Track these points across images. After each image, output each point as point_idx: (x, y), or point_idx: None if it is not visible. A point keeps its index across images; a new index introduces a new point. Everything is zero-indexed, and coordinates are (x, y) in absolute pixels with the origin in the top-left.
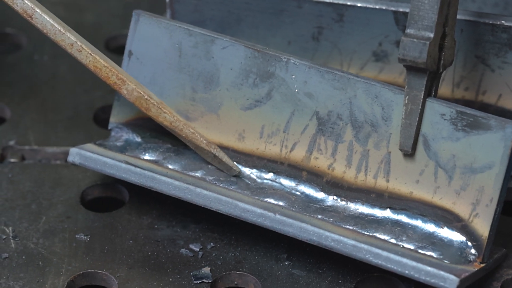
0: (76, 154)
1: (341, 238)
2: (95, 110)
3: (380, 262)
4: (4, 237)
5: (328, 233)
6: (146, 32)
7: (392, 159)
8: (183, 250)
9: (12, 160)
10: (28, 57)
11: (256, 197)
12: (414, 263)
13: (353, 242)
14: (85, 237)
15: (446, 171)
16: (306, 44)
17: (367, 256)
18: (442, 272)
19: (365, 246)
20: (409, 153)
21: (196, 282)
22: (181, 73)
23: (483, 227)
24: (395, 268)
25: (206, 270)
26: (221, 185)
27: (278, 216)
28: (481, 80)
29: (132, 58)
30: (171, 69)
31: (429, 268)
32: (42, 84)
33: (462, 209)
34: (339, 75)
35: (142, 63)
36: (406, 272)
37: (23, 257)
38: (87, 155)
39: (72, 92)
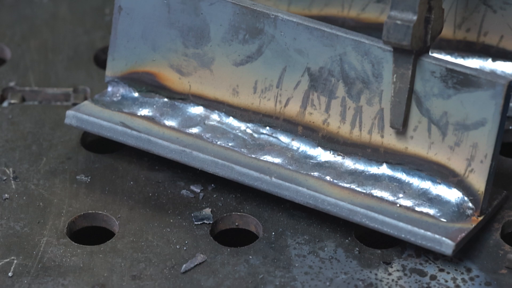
0: (72, 117)
1: (338, 202)
2: (96, 51)
3: (376, 225)
4: (4, 178)
5: (324, 197)
6: None
7: (385, 115)
8: (184, 191)
9: (13, 101)
10: None
11: (253, 155)
12: (409, 227)
13: (349, 206)
14: (86, 178)
15: (439, 127)
16: None
17: (363, 220)
18: (437, 236)
19: (361, 210)
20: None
21: (196, 223)
22: (171, 29)
23: (479, 182)
24: (391, 231)
25: (207, 211)
26: (218, 142)
27: (274, 180)
28: (483, 21)
29: (122, 13)
30: (162, 25)
31: (424, 232)
32: (42, 24)
33: (457, 165)
34: (327, 32)
35: (132, 18)
36: (403, 235)
37: (24, 198)
38: (83, 118)
39: (72, 33)
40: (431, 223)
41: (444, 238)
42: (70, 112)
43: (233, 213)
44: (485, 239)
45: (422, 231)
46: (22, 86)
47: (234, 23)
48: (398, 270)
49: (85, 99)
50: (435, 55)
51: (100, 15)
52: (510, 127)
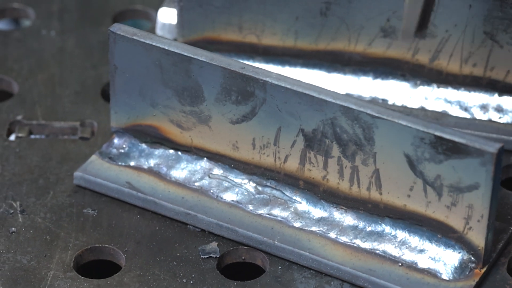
0: (80, 178)
1: (340, 267)
2: (103, 85)
3: None
4: (11, 211)
5: (326, 261)
6: (125, 50)
7: (381, 175)
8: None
9: (20, 134)
10: (36, 32)
11: (258, 212)
12: None
13: (351, 271)
14: (93, 211)
15: (434, 189)
16: (314, 19)
17: (366, 284)
18: None
19: (363, 275)
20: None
21: (203, 257)
22: (166, 88)
23: (478, 239)
24: None
25: (214, 245)
26: (223, 198)
27: (277, 244)
28: (490, 56)
29: (118, 71)
30: (157, 83)
31: None
32: (50, 58)
33: (455, 223)
34: (316, 99)
35: (128, 77)
36: None
37: (31, 231)
38: (91, 180)
39: (80, 67)
40: (432, 285)
41: None
42: (77, 174)
43: (240, 247)
44: (492, 273)
45: None
46: (29, 120)
47: (225, 85)
48: None
49: (92, 133)
50: (442, 89)
51: (107, 50)
52: None
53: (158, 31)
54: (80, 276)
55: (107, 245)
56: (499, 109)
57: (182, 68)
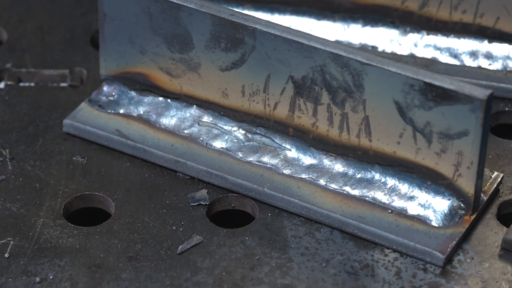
0: (70, 126)
1: (330, 214)
2: (92, 33)
3: (368, 237)
4: (1, 159)
5: (316, 208)
6: None
7: (371, 122)
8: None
9: (9, 82)
10: None
11: (248, 159)
12: (400, 240)
13: (341, 218)
14: (82, 159)
15: (424, 135)
16: None
17: (355, 231)
18: (428, 249)
19: (353, 222)
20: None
21: (193, 204)
22: (156, 35)
23: (468, 186)
24: (383, 243)
25: (203, 192)
26: (213, 145)
27: (267, 191)
28: (479, 3)
29: (107, 19)
30: (146, 31)
31: (415, 245)
32: (39, 6)
33: (445, 169)
34: (306, 46)
35: (117, 24)
36: (394, 247)
37: (20, 179)
38: (80, 127)
39: (69, 15)
40: (422, 232)
41: (434, 251)
42: (67, 121)
43: (229, 194)
44: (481, 220)
45: (412, 243)
46: (18, 68)
47: (214, 32)
48: (394, 251)
49: (81, 80)
50: (431, 36)
51: None
52: (506, 109)
53: None
54: (69, 223)
55: (97, 193)
56: (488, 56)
57: (171, 15)
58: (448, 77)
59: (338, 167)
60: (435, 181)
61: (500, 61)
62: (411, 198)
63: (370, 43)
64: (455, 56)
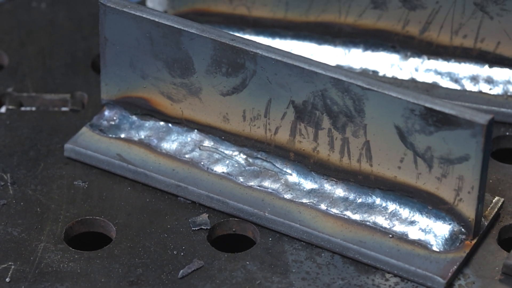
0: (71, 151)
1: (331, 238)
2: (93, 57)
3: (369, 261)
4: (2, 183)
5: (317, 233)
6: (115, 22)
7: (372, 147)
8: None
9: (10, 107)
10: (26, 4)
11: (249, 184)
12: (401, 265)
13: (342, 243)
14: (83, 183)
15: (425, 160)
16: None
17: (356, 256)
18: (428, 274)
19: (354, 247)
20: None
21: (194, 228)
22: (157, 60)
23: (468, 210)
24: (384, 268)
25: (204, 216)
26: (214, 170)
27: (268, 215)
28: (480, 28)
29: (108, 43)
30: (147, 55)
31: (416, 270)
32: (40, 31)
33: (446, 194)
34: (307, 70)
35: (118, 49)
36: (395, 272)
37: (21, 203)
38: (81, 152)
39: (70, 39)
40: (423, 257)
41: (435, 276)
42: (68, 146)
43: (230, 218)
44: (482, 245)
45: (413, 268)
46: (19, 92)
47: (215, 57)
48: (395, 276)
49: (83, 105)
50: (432, 61)
51: (98, 22)
52: (507, 133)
53: (149, 3)
54: (70, 248)
55: (98, 217)
56: (489, 81)
57: (172, 40)
58: (449, 102)
59: (339, 191)
60: (436, 205)
61: (501, 86)
62: (412, 222)
63: (371, 67)
64: (456, 80)
